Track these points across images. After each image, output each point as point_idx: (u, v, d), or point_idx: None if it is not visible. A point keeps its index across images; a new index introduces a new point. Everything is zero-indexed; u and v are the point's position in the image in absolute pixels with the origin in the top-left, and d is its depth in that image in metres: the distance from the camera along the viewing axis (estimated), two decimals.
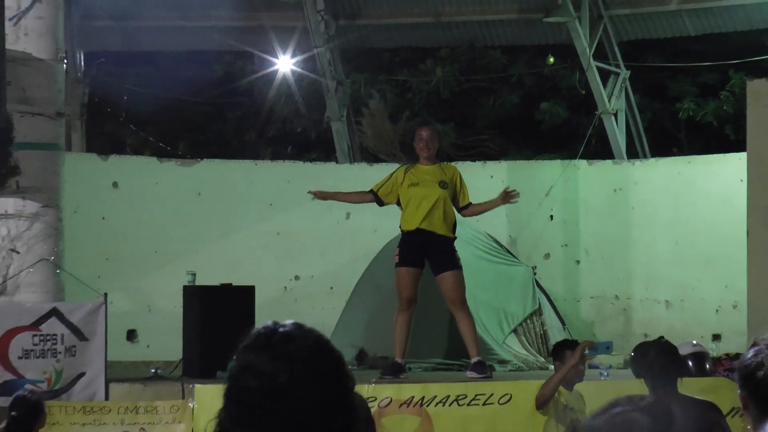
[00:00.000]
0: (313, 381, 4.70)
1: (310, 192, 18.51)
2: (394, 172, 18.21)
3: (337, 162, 29.77)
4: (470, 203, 18.46)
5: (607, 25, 29.56)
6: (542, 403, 14.23)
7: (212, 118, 36.65)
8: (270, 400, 4.52)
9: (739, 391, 8.09)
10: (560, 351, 15.58)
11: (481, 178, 19.16)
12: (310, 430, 4.35)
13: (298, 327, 4.69)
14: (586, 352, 15.03)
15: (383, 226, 18.89)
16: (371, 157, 26.89)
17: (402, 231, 18.18)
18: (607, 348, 16.06)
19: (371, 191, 18.21)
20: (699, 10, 29.27)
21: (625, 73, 29.55)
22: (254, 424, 4.61)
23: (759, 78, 21.32)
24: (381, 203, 18.19)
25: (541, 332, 22.63)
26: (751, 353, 7.32)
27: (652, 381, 13.00)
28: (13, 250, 17.46)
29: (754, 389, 7.49)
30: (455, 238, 17.97)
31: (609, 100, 29.34)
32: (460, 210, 18.27)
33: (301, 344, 4.58)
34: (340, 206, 19.86)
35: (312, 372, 4.56)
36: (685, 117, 33.47)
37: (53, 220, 18.00)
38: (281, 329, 4.70)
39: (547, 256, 25.36)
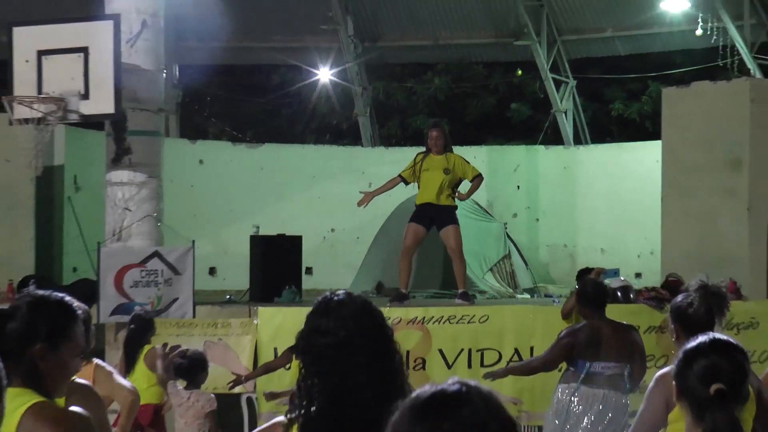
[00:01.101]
0: (363, 334, 4.87)
1: (361, 201, 18.47)
2: (414, 159, 18.30)
3: (362, 146, 29.80)
4: (477, 176, 18.57)
5: (559, 47, 29.46)
6: (566, 314, 14.40)
7: (271, 114, 36.79)
8: (334, 351, 4.92)
9: (672, 325, 8.36)
10: (582, 275, 15.78)
11: (467, 158, 19.11)
12: (365, 369, 4.81)
13: (348, 295, 5.20)
14: (600, 276, 15.17)
15: (396, 193, 18.87)
16: (386, 143, 27.19)
17: (416, 203, 18.22)
18: (615, 273, 16.10)
19: (399, 176, 18.30)
20: (627, 36, 29.22)
21: (572, 83, 29.56)
22: (325, 369, 4.87)
23: (670, 86, 21.28)
24: (406, 183, 18.28)
25: (510, 271, 22.60)
26: (681, 297, 8.52)
27: (589, 308, 13.02)
28: (126, 209, 17.45)
29: (685, 322, 8.34)
30: (456, 206, 18.03)
31: (560, 102, 29.36)
32: (471, 181, 18.47)
33: (352, 308, 4.92)
34: (363, 178, 19.79)
35: (361, 327, 4.83)
36: (615, 115, 33.65)
37: (155, 187, 17.97)
38: (336, 298, 5.09)
39: (515, 215, 25.35)
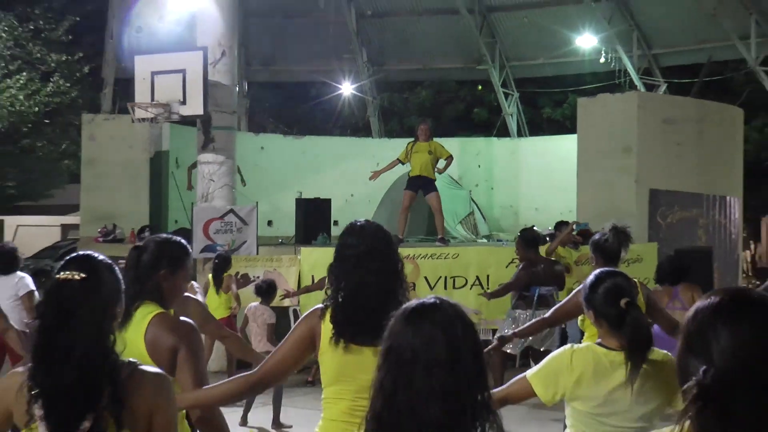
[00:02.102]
0: (377, 247, 4.99)
1: (372, 176, 18.90)
2: (407, 146, 18.59)
3: (372, 138, 29.72)
4: (449, 157, 18.86)
5: (507, 70, 29.22)
6: (550, 252, 14.46)
7: (310, 115, 36.93)
8: (356, 259, 4.92)
9: (592, 254, 8.73)
10: (559, 226, 16.52)
11: (443, 145, 19.24)
12: (376, 272, 4.85)
13: (367, 221, 5.26)
14: (574, 227, 15.66)
15: (395, 171, 18.98)
16: (389, 135, 27.24)
17: (409, 176, 18.45)
18: (586, 224, 16.27)
19: (397, 159, 18.68)
20: (553, 63, 28.95)
21: (516, 94, 29.30)
22: (349, 271, 4.79)
23: (583, 97, 21.27)
24: (402, 163, 18.60)
25: (473, 223, 22.67)
26: (599, 235, 8.71)
27: (527, 249, 13.28)
28: (211, 180, 17.49)
29: (602, 252, 8.56)
30: (436, 179, 18.26)
31: (508, 108, 29.14)
32: (446, 160, 18.78)
33: (370, 229, 5.00)
34: (373, 160, 19.81)
35: (376, 243, 4.94)
36: (546, 116, 33.80)
37: (231, 165, 18.02)
38: (359, 223, 5.10)
39: (476, 185, 25.15)
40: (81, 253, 3.63)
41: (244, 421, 12.32)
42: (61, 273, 3.45)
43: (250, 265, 16.95)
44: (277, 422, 12.34)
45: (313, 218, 19.51)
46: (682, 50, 27.44)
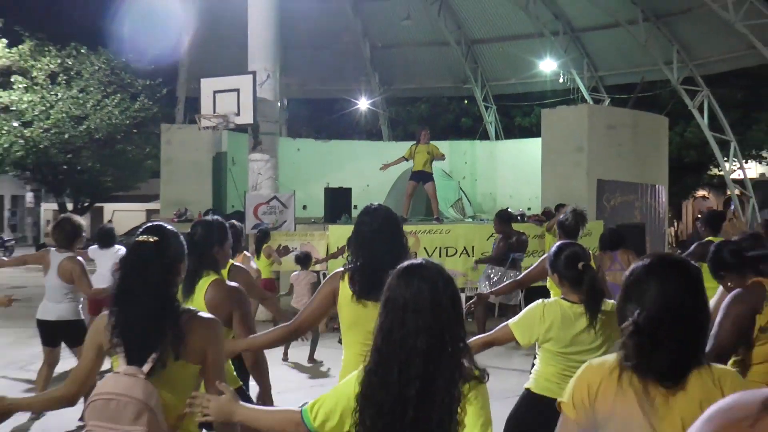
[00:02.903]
0: (388, 226, 4.87)
1: (382, 168, 18.74)
2: (410, 147, 18.60)
3: (383, 141, 29.62)
4: (442, 155, 19.04)
5: (487, 88, 29.14)
6: (549, 227, 14.80)
7: (335, 124, 36.56)
8: (371, 234, 4.84)
9: (558, 231, 8.81)
10: (558, 208, 15.68)
11: (438, 147, 19.21)
12: (388, 244, 4.73)
13: (379, 205, 5.09)
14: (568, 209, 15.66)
15: (401, 166, 18.84)
16: (396, 139, 27.03)
17: (412, 170, 18.41)
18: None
19: (403, 157, 18.58)
20: (523, 82, 28.89)
21: (494, 107, 29.18)
22: (365, 244, 4.82)
23: (546, 108, 21.15)
24: (407, 160, 18.56)
25: (461, 207, 22.53)
26: (563, 216, 8.64)
27: (503, 225, 13.29)
28: (259, 173, 17.45)
29: (564, 229, 8.51)
30: (432, 173, 18.18)
31: (488, 117, 29.11)
32: (440, 158, 18.87)
33: (381, 211, 4.90)
34: (383, 158, 19.49)
35: (388, 223, 4.85)
36: (517, 124, 33.39)
37: (274, 163, 17.94)
38: (373, 206, 4.85)
39: (464, 177, 24.92)
40: (154, 223, 3.77)
41: (285, 357, 12.54)
42: (139, 236, 3.58)
43: (290, 239, 16.90)
44: (311, 358, 12.51)
45: (337, 203, 19.36)
46: (621, 72, 27.42)
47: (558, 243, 5.61)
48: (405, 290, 2.99)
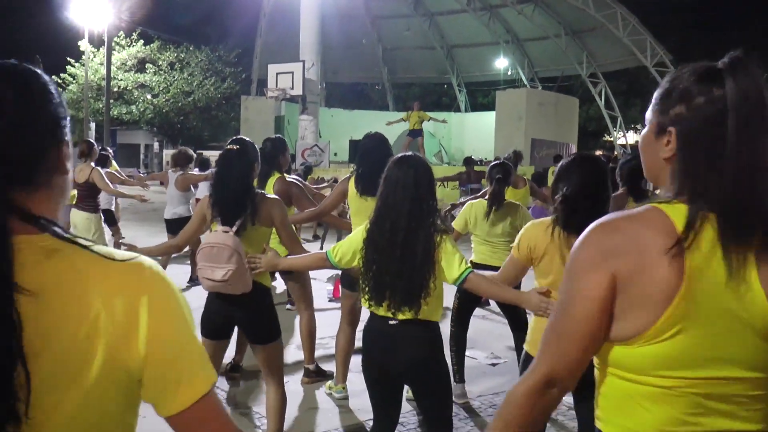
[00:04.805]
0: (382, 146, 4.71)
1: (388, 124, 18.16)
2: (407, 113, 18.39)
3: (389, 110, 29.09)
4: (430, 119, 18.48)
5: (461, 78, 28.61)
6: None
7: (357, 99, 35.94)
8: (370, 150, 4.62)
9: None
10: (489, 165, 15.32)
11: (427, 113, 18.84)
12: (380, 157, 4.09)
13: (375, 132, 4.97)
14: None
15: (401, 125, 18.44)
16: (398, 110, 26.50)
17: (409, 129, 18.05)
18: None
19: (401, 119, 18.35)
20: (484, 74, 28.58)
21: (465, 90, 28.78)
22: (365, 157, 4.61)
23: (499, 90, 20.83)
24: (405, 121, 18.28)
25: (441, 156, 22.37)
26: (507, 154, 7.91)
27: (467, 166, 12.89)
28: (305, 129, 17.22)
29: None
30: (422, 130, 18.04)
31: (460, 97, 28.74)
32: (428, 121, 18.33)
33: (377, 135, 5.38)
34: (389, 119, 19.18)
35: (381, 144, 4.80)
36: (480, 102, 32.44)
37: (316, 122, 17.78)
38: (371, 132, 4.71)
39: (443, 137, 24.30)
40: (237, 137, 3.72)
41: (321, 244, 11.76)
42: (228, 145, 3.59)
43: (324, 173, 16.57)
44: (321, 247, 11.74)
45: (357, 151, 19.15)
46: (549, 68, 27.05)
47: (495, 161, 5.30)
48: (398, 171, 2.91)
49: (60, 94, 1.11)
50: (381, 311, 2.92)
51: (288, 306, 7.33)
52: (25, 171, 1.03)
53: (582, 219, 2.53)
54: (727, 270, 1.22)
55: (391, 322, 2.89)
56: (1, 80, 1.02)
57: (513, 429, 1.35)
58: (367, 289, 2.93)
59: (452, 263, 2.87)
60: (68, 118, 1.13)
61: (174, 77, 34.00)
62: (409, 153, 3.08)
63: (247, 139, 3.68)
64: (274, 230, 3.69)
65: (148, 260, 1.12)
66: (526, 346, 3.02)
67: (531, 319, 3.04)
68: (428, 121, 18.58)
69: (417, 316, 2.86)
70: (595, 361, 1.39)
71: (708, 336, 1.24)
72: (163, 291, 1.10)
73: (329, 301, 7.74)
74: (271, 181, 5.13)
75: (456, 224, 4.93)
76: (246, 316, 3.56)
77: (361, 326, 4.74)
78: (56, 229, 1.05)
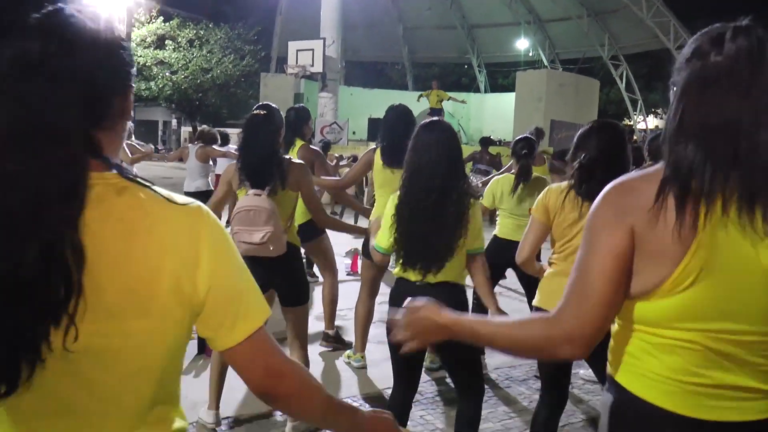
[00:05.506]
0: (406, 117, 4.77)
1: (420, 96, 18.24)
2: (427, 92, 18.39)
3: (408, 90, 28.85)
4: (450, 98, 18.69)
5: (481, 58, 28.42)
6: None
7: (376, 78, 35.70)
8: (394, 122, 4.70)
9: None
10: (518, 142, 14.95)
11: (447, 93, 18.73)
12: (404, 129, 4.28)
13: (399, 104, 4.93)
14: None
15: (421, 103, 18.36)
16: (417, 89, 26.34)
17: (430, 108, 17.98)
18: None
19: (421, 95, 18.34)
20: (505, 55, 28.20)
21: (485, 71, 28.49)
22: (390, 129, 4.61)
23: (519, 71, 20.66)
24: (424, 98, 18.30)
25: (460, 134, 22.12)
26: (528, 131, 7.23)
27: (482, 146, 12.85)
28: (325, 106, 17.21)
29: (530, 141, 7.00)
30: (442, 109, 18.15)
31: (480, 77, 28.49)
32: (447, 100, 18.40)
33: (400, 107, 5.17)
34: (408, 101, 19.15)
35: (405, 116, 4.82)
36: (500, 83, 32.29)
37: (335, 100, 17.72)
38: (395, 104, 4.63)
39: (462, 117, 24.30)
40: (263, 103, 3.70)
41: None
42: (254, 110, 3.61)
43: (342, 150, 16.59)
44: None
45: (376, 129, 18.84)
46: (570, 50, 26.66)
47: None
48: (429, 135, 2.91)
49: (128, 44, 1.16)
50: (412, 275, 2.95)
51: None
52: (99, 112, 1.07)
53: (598, 185, 2.61)
54: (744, 219, 1.23)
55: (419, 285, 2.91)
56: (85, 25, 1.06)
57: (506, 343, 1.44)
58: (401, 253, 2.95)
59: (475, 234, 2.93)
60: (135, 68, 1.18)
61: (193, 54, 33.80)
62: (435, 118, 3.09)
63: (273, 104, 3.71)
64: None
65: (204, 205, 1.19)
66: (535, 303, 3.06)
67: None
68: (447, 100, 18.51)
69: (447, 278, 2.91)
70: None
71: (724, 286, 1.25)
72: (220, 232, 1.17)
73: (347, 274, 7.82)
74: (294, 150, 5.19)
75: (484, 201, 4.97)
76: (283, 278, 3.67)
77: (379, 299, 4.85)
78: (122, 169, 1.10)
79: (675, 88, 1.32)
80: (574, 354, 1.35)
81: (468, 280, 3.06)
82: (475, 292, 4.76)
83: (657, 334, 1.33)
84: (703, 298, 1.26)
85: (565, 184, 2.94)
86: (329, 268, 5.26)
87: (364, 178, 12.72)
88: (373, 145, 5.02)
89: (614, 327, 1.43)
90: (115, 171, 1.09)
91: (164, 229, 1.09)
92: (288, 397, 1.22)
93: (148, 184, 1.12)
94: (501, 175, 5.12)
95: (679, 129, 1.29)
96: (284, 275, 3.66)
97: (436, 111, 17.84)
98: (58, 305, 0.98)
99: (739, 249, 1.25)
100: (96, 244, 1.02)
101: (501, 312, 3.00)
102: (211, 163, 8.78)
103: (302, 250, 4.24)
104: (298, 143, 5.25)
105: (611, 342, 1.44)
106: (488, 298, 3.04)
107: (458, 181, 2.88)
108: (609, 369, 1.44)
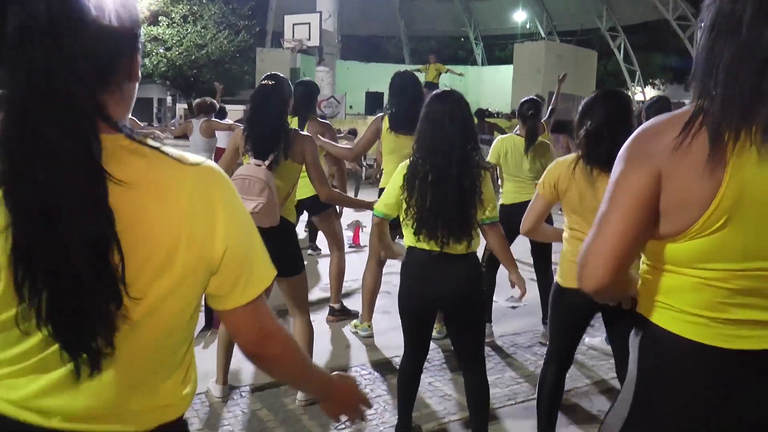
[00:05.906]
0: (414, 85, 4.71)
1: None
2: (425, 65, 18.18)
3: (405, 63, 28.66)
4: (447, 70, 18.46)
5: (478, 31, 28.28)
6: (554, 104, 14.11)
7: (373, 52, 35.31)
8: (402, 88, 4.70)
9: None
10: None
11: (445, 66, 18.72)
12: (412, 95, 4.53)
13: (406, 70, 4.83)
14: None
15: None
16: (414, 63, 26.11)
17: (425, 80, 17.56)
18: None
19: (418, 69, 17.84)
20: (503, 27, 28.11)
21: (482, 44, 28.38)
22: (398, 95, 4.59)
23: (517, 43, 20.53)
24: (421, 72, 17.60)
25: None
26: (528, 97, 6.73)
27: (478, 119, 12.82)
28: (322, 80, 17.14)
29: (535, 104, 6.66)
30: (438, 83, 17.54)
31: (477, 50, 28.37)
32: (445, 73, 18.30)
33: (409, 74, 5.19)
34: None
35: (413, 83, 4.75)
36: (497, 55, 32.00)
37: (332, 74, 17.66)
38: (402, 71, 4.61)
39: (459, 90, 24.37)
40: (272, 73, 3.66)
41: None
42: (263, 80, 3.57)
43: (340, 124, 16.44)
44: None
45: (373, 102, 19.13)
46: (568, 22, 26.53)
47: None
48: (442, 106, 2.90)
49: (135, 5, 1.15)
50: (426, 245, 2.94)
51: (309, 251, 7.48)
52: (107, 74, 1.06)
53: (606, 151, 2.70)
54: None
55: (435, 254, 2.92)
56: None
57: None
58: (414, 224, 2.93)
59: (489, 204, 2.95)
60: (141, 31, 1.17)
61: (187, 30, 33.36)
62: (447, 88, 3.07)
63: (282, 75, 3.69)
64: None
65: (216, 164, 1.19)
66: (558, 279, 3.04)
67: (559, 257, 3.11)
68: (446, 73, 18.42)
69: (464, 249, 2.92)
70: (642, 257, 1.47)
71: (753, 225, 1.26)
72: (232, 192, 1.17)
73: (349, 247, 7.84)
74: (302, 123, 5.16)
75: (490, 158, 4.99)
76: (272, 249, 3.56)
77: (386, 269, 4.88)
78: (129, 131, 1.09)
79: (702, 24, 1.32)
80: (599, 281, 1.37)
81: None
82: (482, 259, 4.83)
83: (685, 274, 1.36)
84: (731, 240, 1.28)
85: (572, 156, 2.92)
86: (337, 241, 5.28)
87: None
88: (372, 118, 5.03)
89: (643, 267, 1.47)
90: (124, 134, 1.08)
91: (178, 190, 1.09)
92: (275, 357, 1.26)
93: (158, 145, 1.11)
94: (505, 136, 5.14)
95: (707, 63, 1.28)
96: (272, 248, 3.57)
97: (434, 85, 17.76)
98: (112, 273, 1.00)
99: (766, 184, 1.25)
100: (113, 204, 1.01)
101: (520, 278, 3.06)
102: (216, 135, 8.71)
103: (302, 226, 4.22)
104: (311, 117, 5.21)
105: (640, 283, 1.48)
106: (509, 263, 3.08)
107: (474, 152, 2.88)
108: (638, 308, 1.48)
